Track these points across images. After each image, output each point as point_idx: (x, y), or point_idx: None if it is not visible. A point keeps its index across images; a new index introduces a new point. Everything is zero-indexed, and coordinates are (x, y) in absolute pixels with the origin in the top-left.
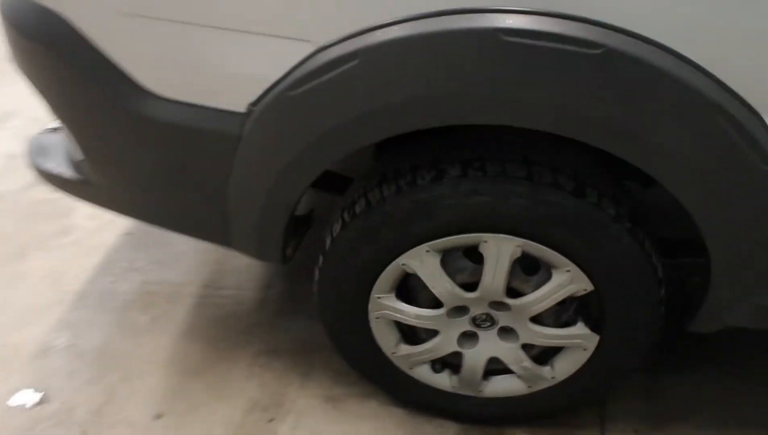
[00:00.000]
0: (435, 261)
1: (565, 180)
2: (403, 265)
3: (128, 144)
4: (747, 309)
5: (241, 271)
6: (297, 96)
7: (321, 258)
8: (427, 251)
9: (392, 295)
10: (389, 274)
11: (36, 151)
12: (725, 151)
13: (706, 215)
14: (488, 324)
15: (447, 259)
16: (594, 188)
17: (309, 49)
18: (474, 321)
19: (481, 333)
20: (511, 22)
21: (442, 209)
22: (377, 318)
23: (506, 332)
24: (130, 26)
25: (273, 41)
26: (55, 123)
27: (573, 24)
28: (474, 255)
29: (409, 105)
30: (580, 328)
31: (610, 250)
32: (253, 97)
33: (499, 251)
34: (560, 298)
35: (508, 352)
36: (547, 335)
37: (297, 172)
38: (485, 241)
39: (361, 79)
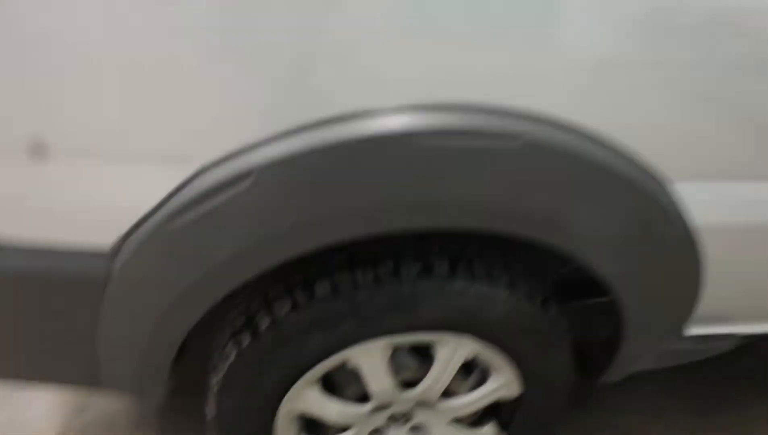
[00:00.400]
0: (385, 356)
1: (536, 291)
2: (347, 357)
3: None
4: (654, 355)
5: (40, 400)
6: (179, 227)
7: (248, 338)
8: (383, 347)
9: (317, 388)
10: (327, 365)
11: None
12: (639, 223)
13: (623, 284)
14: (403, 421)
15: (392, 355)
16: (553, 301)
17: (188, 170)
18: (390, 417)
19: (391, 430)
20: (420, 122)
21: (424, 306)
22: (289, 410)
23: (417, 430)
24: None
25: (143, 163)
26: None
27: (488, 117)
28: (418, 351)
29: (317, 223)
30: (489, 429)
31: (554, 361)
32: (121, 232)
33: (456, 352)
34: (490, 402)
35: None
36: None
37: (185, 310)
38: (445, 341)
39: (258, 202)
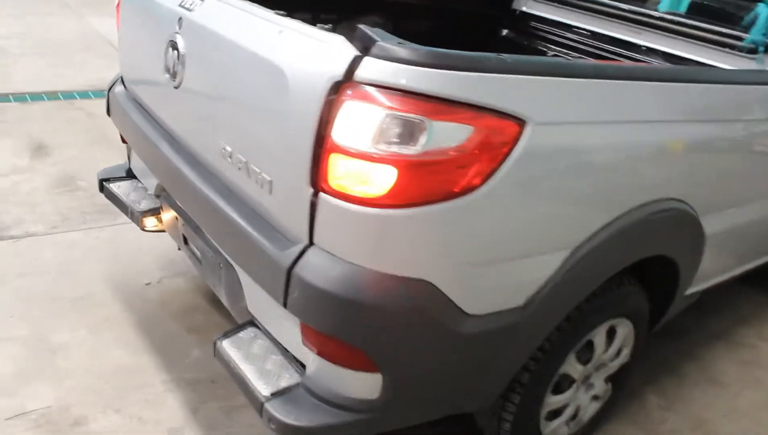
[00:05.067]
0: (603, 334)
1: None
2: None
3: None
4: (676, 308)
5: None
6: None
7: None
8: (605, 328)
9: (574, 357)
10: (583, 341)
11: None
12: (692, 233)
13: (684, 264)
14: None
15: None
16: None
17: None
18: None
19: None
20: None
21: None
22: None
23: (589, 386)
24: None
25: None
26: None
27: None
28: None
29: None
30: (609, 385)
31: (643, 334)
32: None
33: (624, 331)
34: (620, 366)
35: None
36: None
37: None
38: (623, 323)
39: None
